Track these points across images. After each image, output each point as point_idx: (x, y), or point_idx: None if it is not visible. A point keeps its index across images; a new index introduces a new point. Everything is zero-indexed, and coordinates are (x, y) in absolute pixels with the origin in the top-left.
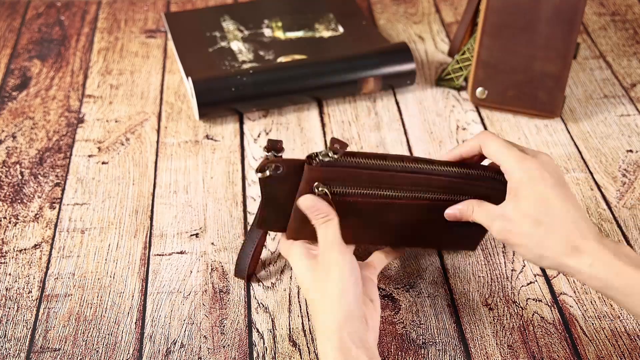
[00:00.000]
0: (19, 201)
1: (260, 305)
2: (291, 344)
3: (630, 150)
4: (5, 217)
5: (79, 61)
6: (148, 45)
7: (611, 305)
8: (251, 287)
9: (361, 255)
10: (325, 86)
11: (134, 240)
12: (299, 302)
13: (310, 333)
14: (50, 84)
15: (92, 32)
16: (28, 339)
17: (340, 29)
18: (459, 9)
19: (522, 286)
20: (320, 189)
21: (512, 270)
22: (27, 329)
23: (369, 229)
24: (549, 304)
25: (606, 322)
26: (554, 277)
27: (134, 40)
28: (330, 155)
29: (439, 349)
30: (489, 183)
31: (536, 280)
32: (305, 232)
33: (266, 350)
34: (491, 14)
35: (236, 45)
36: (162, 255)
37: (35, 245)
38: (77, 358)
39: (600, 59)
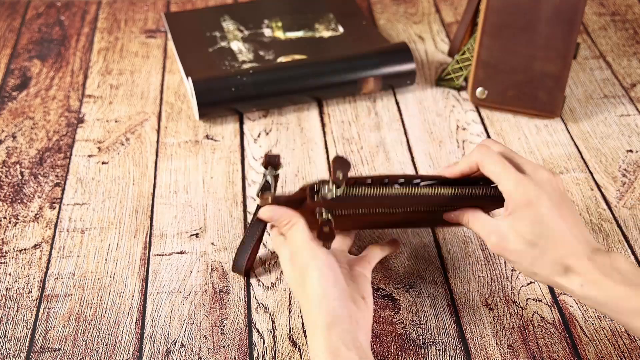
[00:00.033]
0: (19, 201)
1: (260, 305)
2: (291, 344)
3: (630, 150)
4: (5, 217)
5: (79, 61)
6: (148, 45)
7: None
8: (251, 287)
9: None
10: (325, 86)
11: (134, 240)
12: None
13: None
14: (50, 84)
15: (92, 32)
16: (28, 339)
17: (340, 29)
18: (459, 9)
19: (522, 286)
20: (323, 215)
21: (512, 270)
22: (27, 329)
23: (368, 223)
24: (549, 304)
25: (606, 322)
26: None
27: (134, 40)
28: (333, 191)
29: (439, 349)
30: (487, 198)
31: (536, 281)
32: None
33: (266, 350)
34: (491, 14)
35: (236, 45)
36: (162, 255)
37: (35, 245)
38: (77, 358)
39: (600, 59)
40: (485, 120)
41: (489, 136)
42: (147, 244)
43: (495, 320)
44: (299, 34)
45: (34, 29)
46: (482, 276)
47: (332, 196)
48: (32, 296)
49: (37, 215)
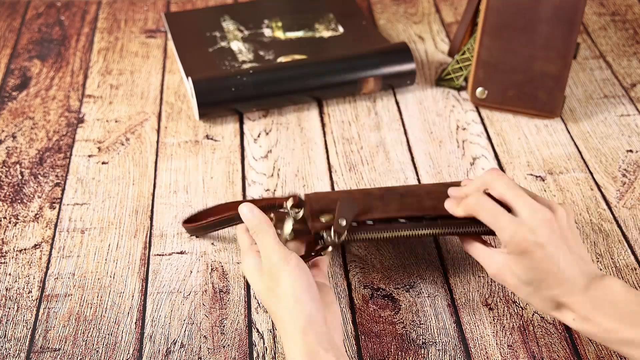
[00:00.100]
0: (19, 201)
1: (260, 305)
2: None
3: (630, 150)
4: (5, 217)
5: (79, 61)
6: (148, 45)
7: None
8: (251, 287)
9: None
10: (325, 86)
11: (134, 240)
12: None
13: None
14: (50, 84)
15: (92, 32)
16: (28, 339)
17: (340, 29)
18: (459, 9)
19: None
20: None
21: None
22: (27, 329)
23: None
24: None
25: None
26: None
27: (134, 40)
28: (335, 240)
29: (439, 349)
30: (489, 232)
31: None
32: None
33: (266, 350)
34: (491, 14)
35: (236, 45)
36: (162, 255)
37: (35, 245)
38: (77, 358)
39: (600, 59)
40: (485, 120)
41: (489, 136)
42: (147, 244)
43: (495, 320)
44: (299, 34)
45: (34, 29)
46: (482, 276)
47: (334, 243)
48: (32, 296)
49: (37, 215)
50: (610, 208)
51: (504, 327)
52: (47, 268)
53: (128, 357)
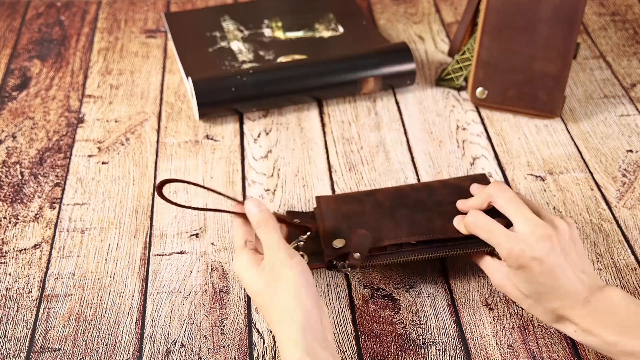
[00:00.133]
0: (19, 201)
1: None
2: None
3: (630, 150)
4: (5, 217)
5: (79, 61)
6: (148, 45)
7: None
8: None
9: None
10: (325, 86)
11: (134, 240)
12: None
13: None
14: (50, 84)
15: (92, 32)
16: (28, 339)
17: (340, 29)
18: (459, 9)
19: None
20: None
21: None
22: (27, 329)
23: None
24: None
25: None
26: None
27: (134, 40)
28: (348, 270)
29: (439, 349)
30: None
31: None
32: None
33: (266, 350)
34: (491, 14)
35: (236, 45)
36: (162, 255)
37: (35, 245)
38: (77, 358)
39: (600, 59)
40: (485, 120)
41: (489, 136)
42: (147, 244)
43: (495, 320)
44: (299, 34)
45: (34, 29)
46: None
47: (348, 272)
48: (32, 296)
49: (37, 215)
50: (610, 208)
51: (504, 327)
52: (47, 268)
53: (128, 357)
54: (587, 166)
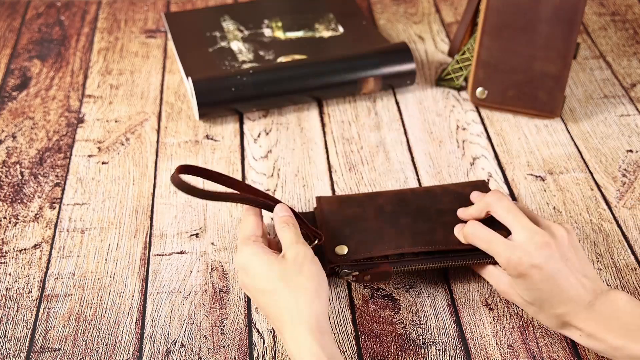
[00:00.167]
0: (19, 201)
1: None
2: None
3: (630, 150)
4: (5, 217)
5: (79, 61)
6: (148, 45)
7: None
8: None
9: None
10: (325, 86)
11: (134, 240)
12: None
13: None
14: (50, 84)
15: (92, 32)
16: (28, 339)
17: (340, 29)
18: (459, 9)
19: None
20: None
21: None
22: (27, 329)
23: None
24: None
25: None
26: None
27: (134, 40)
28: (350, 277)
29: (439, 349)
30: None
31: None
32: None
33: (266, 350)
34: (491, 14)
35: (236, 45)
36: (162, 255)
37: (35, 245)
38: (77, 358)
39: (600, 59)
40: (485, 120)
41: (489, 136)
42: (147, 244)
43: (495, 320)
44: (299, 34)
45: (34, 29)
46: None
47: (350, 281)
48: (32, 296)
49: (37, 215)
50: (610, 208)
51: (504, 327)
52: (47, 268)
53: (128, 357)
54: (587, 166)
